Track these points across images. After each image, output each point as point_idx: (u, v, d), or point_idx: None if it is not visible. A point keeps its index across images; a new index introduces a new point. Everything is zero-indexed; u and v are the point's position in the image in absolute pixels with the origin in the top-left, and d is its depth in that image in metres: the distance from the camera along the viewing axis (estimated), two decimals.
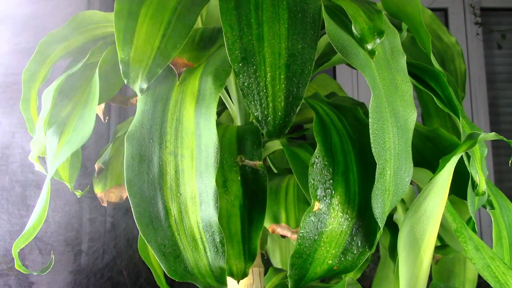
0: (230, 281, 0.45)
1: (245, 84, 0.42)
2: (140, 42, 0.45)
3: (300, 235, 0.43)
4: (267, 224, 0.56)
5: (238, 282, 0.46)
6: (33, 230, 0.53)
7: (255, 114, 0.41)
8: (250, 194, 0.47)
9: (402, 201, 0.65)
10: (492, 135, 0.45)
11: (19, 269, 0.52)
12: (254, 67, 0.42)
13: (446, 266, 0.76)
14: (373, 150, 0.42)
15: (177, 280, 0.42)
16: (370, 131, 0.42)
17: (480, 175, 0.52)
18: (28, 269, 0.53)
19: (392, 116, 0.45)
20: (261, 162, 0.47)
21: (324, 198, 0.43)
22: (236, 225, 0.46)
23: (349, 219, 0.44)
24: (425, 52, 0.57)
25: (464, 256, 0.73)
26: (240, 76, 0.42)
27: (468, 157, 0.52)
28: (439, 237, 0.66)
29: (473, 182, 0.52)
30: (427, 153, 0.61)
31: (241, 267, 0.45)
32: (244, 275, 0.45)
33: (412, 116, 0.47)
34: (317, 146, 0.45)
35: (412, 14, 0.57)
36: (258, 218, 0.46)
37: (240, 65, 0.42)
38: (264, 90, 0.42)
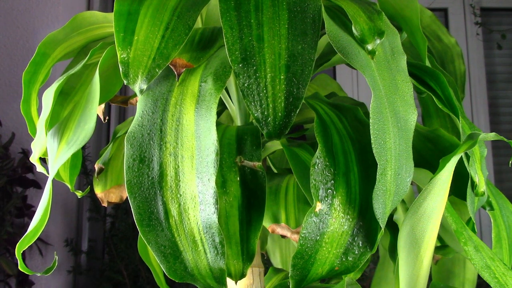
0: (229, 281, 0.45)
1: (245, 84, 0.42)
2: (139, 42, 0.45)
3: (302, 235, 0.43)
4: (267, 224, 0.56)
5: (236, 283, 0.46)
6: (36, 232, 0.53)
7: (255, 114, 0.41)
8: (249, 194, 0.47)
9: (402, 201, 0.65)
10: (492, 135, 0.45)
11: (23, 271, 0.52)
12: (254, 67, 0.42)
13: (446, 266, 0.76)
14: (374, 151, 0.42)
15: (177, 281, 0.42)
16: (371, 131, 0.42)
17: (479, 175, 0.52)
18: (29, 269, 0.53)
19: (392, 116, 0.45)
20: (260, 163, 0.47)
21: (326, 199, 0.43)
22: (234, 226, 0.46)
23: (350, 220, 0.44)
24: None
25: (464, 256, 0.73)
26: (240, 76, 0.42)
27: (468, 157, 0.52)
28: (439, 237, 0.66)
29: (473, 183, 0.52)
30: (427, 154, 0.61)
31: (239, 268, 0.45)
32: (242, 275, 0.45)
33: (412, 117, 0.47)
34: (319, 147, 0.45)
35: (410, 18, 0.57)
36: (256, 219, 0.46)
37: (240, 65, 0.42)
38: (264, 91, 0.42)
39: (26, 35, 1.75)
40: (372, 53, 0.47)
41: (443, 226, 0.62)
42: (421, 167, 0.57)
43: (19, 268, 0.52)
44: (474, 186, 0.52)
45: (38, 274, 0.53)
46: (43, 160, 0.60)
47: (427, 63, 0.57)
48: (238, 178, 0.47)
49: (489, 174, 1.64)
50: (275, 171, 0.74)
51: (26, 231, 0.53)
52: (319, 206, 0.43)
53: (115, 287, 1.73)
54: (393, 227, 0.58)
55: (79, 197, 0.61)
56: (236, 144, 0.49)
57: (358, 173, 0.45)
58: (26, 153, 1.60)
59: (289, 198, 0.58)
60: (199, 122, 0.43)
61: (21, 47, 1.75)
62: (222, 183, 0.47)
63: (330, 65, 0.65)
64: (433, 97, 0.54)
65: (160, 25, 0.46)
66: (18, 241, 0.52)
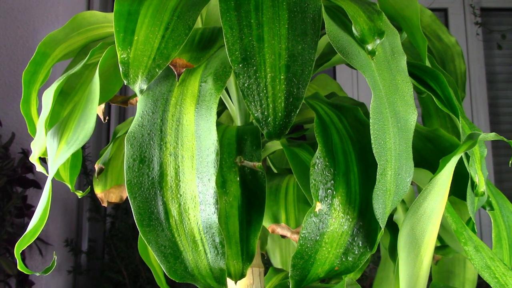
0: (229, 281, 0.45)
1: (245, 84, 0.42)
2: (139, 42, 0.45)
3: (302, 235, 0.43)
4: (267, 224, 0.56)
5: (235, 283, 0.46)
6: (35, 231, 0.53)
7: (255, 114, 0.41)
8: (248, 195, 0.47)
9: (402, 201, 0.65)
10: (492, 135, 0.45)
11: (21, 270, 0.52)
12: (254, 67, 0.42)
13: (446, 266, 0.76)
14: (374, 151, 0.42)
15: (177, 281, 0.42)
16: (371, 131, 0.42)
17: (479, 175, 0.52)
18: (28, 269, 0.53)
19: (392, 116, 0.45)
20: (260, 163, 0.47)
21: (326, 199, 0.43)
22: (234, 226, 0.46)
23: (350, 220, 0.44)
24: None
25: (464, 256, 0.73)
26: (240, 77, 0.42)
27: (468, 157, 0.52)
28: (439, 237, 0.66)
29: (473, 183, 0.52)
30: (427, 154, 0.61)
31: (239, 268, 0.45)
32: (242, 276, 0.45)
33: (412, 117, 0.47)
34: (318, 147, 0.45)
35: (410, 18, 0.57)
36: (256, 219, 0.46)
37: (240, 66, 0.42)
38: (265, 91, 0.42)
39: (26, 35, 1.75)
40: (372, 53, 0.47)
41: (443, 226, 0.62)
42: (421, 167, 0.57)
43: (18, 267, 0.52)
44: (474, 186, 0.52)
45: (37, 274, 0.53)
46: (43, 160, 0.60)
47: (427, 63, 0.57)
48: (238, 178, 0.47)
49: (489, 174, 1.64)
50: (275, 171, 0.74)
51: (26, 231, 0.53)
52: (319, 206, 0.43)
53: (115, 287, 1.73)
54: (393, 227, 0.58)
55: (79, 197, 0.61)
56: (236, 144, 0.49)
57: (358, 173, 0.45)
58: (26, 153, 1.60)
59: (289, 198, 0.58)
60: (199, 122, 0.43)
61: (21, 47, 1.75)
62: (222, 183, 0.47)
63: (330, 65, 0.65)
64: (433, 97, 0.54)
65: (160, 25, 0.46)
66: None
